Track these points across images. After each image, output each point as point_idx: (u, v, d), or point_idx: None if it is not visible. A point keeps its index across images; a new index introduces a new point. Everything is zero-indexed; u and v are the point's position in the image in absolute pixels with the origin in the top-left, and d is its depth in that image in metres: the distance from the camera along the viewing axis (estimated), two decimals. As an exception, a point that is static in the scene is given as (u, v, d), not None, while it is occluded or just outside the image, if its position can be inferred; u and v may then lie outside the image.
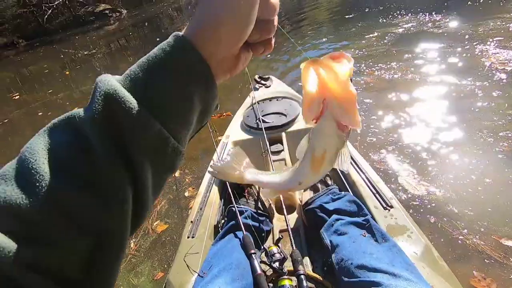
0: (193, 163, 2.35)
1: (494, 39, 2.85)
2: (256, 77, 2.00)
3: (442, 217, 1.45)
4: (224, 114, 2.89)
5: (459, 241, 1.33)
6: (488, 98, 2.15)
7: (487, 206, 1.44)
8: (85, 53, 8.79)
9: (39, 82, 6.90)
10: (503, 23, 3.11)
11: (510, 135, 1.78)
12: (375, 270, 0.69)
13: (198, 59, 0.30)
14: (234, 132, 1.60)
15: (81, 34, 13.55)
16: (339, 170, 1.20)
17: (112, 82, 0.28)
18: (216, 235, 1.05)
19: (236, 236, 0.94)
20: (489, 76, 2.37)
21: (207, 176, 1.36)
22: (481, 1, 3.93)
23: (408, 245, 0.85)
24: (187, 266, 0.95)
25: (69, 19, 17.24)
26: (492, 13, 3.42)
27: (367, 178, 1.11)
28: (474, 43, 2.90)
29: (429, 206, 1.53)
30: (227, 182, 1.23)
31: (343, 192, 1.06)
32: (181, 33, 0.31)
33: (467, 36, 3.07)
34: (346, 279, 0.74)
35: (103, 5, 17.70)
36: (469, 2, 4.02)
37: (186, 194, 2.05)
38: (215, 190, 1.28)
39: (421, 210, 1.51)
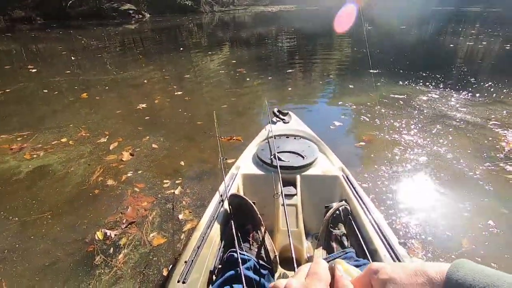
0: (195, 184, 2.19)
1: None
2: (275, 110, 1.95)
3: None
4: (234, 138, 2.78)
5: None
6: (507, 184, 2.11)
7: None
8: (99, 44, 8.81)
9: (45, 61, 6.81)
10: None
11: None
12: None
13: None
14: (245, 164, 1.50)
15: (100, 27, 13.71)
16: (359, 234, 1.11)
17: None
18: (211, 283, 0.91)
19: None
20: (508, 162, 2.37)
21: (210, 209, 1.23)
22: (493, 88, 4.09)
23: None
24: None
25: (92, 10, 17.53)
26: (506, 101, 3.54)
27: (391, 247, 1.01)
28: (492, 127, 2.95)
29: None
30: (231, 220, 1.11)
31: (361, 259, 0.95)
32: None
33: (483, 119, 3.14)
34: None
35: (128, 4, 18.13)
36: (486, 87, 4.17)
37: (181, 216, 1.86)
38: (216, 227, 1.14)
39: None
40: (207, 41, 9.54)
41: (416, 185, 2.16)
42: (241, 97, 4.08)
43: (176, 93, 4.26)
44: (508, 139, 2.74)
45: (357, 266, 0.90)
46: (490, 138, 2.75)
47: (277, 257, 1.07)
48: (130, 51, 8.02)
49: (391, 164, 2.39)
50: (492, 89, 4.04)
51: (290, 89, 4.36)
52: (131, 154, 2.61)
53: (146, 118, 3.43)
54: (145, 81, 5.00)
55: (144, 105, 3.80)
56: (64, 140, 2.94)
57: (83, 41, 9.51)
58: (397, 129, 2.97)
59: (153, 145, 2.77)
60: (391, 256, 0.97)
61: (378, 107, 3.52)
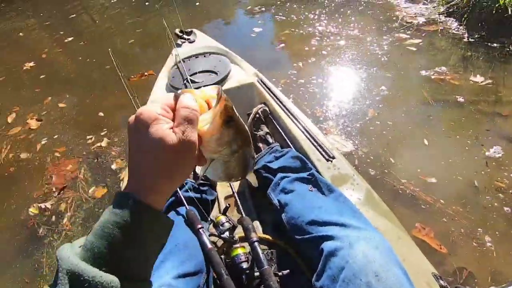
0: (121, 131, 2.07)
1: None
2: (177, 31, 1.77)
3: (381, 169, 1.51)
4: (146, 73, 2.57)
5: (400, 191, 1.41)
6: (406, 53, 2.32)
7: (413, 152, 1.59)
8: None
9: None
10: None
11: (429, 89, 1.95)
12: (325, 223, 0.69)
13: (148, 212, 0.32)
14: (160, 96, 1.42)
15: None
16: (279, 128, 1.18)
17: (74, 260, 0.29)
18: None
19: (178, 212, 0.85)
20: (402, 29, 2.58)
21: None
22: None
23: (352, 192, 0.88)
24: None
25: None
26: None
27: (307, 131, 1.10)
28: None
29: (367, 160, 1.58)
30: None
31: (285, 149, 1.04)
32: (127, 192, 0.33)
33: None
34: (298, 237, 0.73)
35: None
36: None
37: (114, 166, 1.81)
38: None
39: (363, 165, 1.55)
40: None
41: (330, 70, 2.29)
42: (146, 26, 3.62)
43: (67, 40, 3.64)
44: (401, 7, 2.92)
45: (281, 156, 0.98)
46: (388, 12, 2.90)
47: None
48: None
49: (308, 57, 2.47)
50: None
51: (198, 4, 3.93)
52: (38, 120, 2.31)
53: (40, 77, 2.97)
54: (21, 34, 4.14)
55: (31, 64, 3.23)
56: None
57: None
58: (311, 21, 2.97)
59: (60, 105, 2.48)
60: (308, 138, 1.07)
61: (289, 4, 3.42)
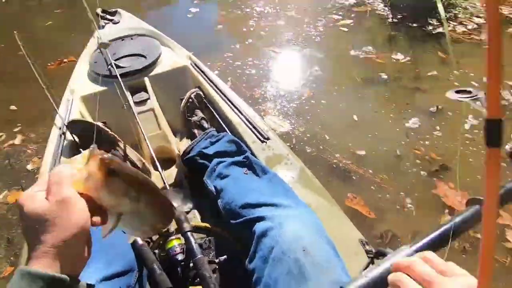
0: (38, 125, 1.83)
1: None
2: (99, 11, 1.61)
3: (317, 147, 1.58)
4: (66, 60, 2.29)
5: (334, 166, 1.49)
6: (338, 34, 2.43)
7: (344, 128, 1.69)
8: None
9: None
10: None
11: (358, 68, 2.07)
12: (258, 205, 0.70)
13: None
14: (81, 84, 1.28)
15: None
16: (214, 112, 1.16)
17: None
18: None
19: None
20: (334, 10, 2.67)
21: (50, 148, 1.04)
22: None
23: (286, 172, 0.89)
24: None
25: None
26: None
27: (242, 115, 1.10)
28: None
29: (304, 138, 1.64)
30: (81, 149, 0.99)
31: (221, 133, 1.02)
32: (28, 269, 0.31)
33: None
34: (233, 221, 0.73)
35: None
36: None
37: (29, 167, 1.60)
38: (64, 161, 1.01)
39: (300, 143, 1.61)
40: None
41: (267, 51, 2.31)
42: (67, 5, 3.20)
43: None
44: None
45: (217, 141, 0.96)
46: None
47: (146, 163, 1.06)
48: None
49: (245, 38, 2.45)
50: None
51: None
52: None
53: None
54: None
55: None
56: None
57: None
58: (249, 2, 2.94)
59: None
60: (243, 121, 1.06)
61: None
